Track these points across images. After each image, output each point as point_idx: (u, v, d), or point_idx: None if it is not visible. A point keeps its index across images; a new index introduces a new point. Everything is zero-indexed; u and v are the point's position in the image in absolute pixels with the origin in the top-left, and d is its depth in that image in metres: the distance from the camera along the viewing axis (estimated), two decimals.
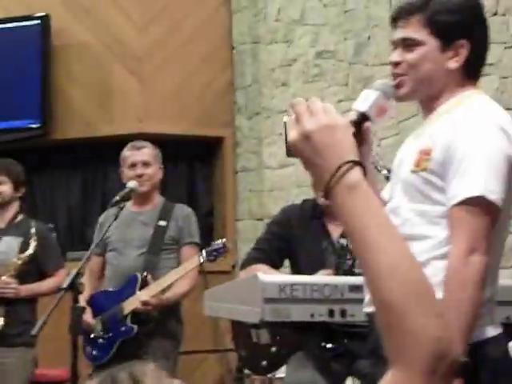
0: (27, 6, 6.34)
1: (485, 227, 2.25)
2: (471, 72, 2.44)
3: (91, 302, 4.43)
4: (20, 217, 4.82)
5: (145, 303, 4.25)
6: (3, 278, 4.58)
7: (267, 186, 6.24)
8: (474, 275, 2.21)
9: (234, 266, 5.67)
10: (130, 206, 4.44)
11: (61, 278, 4.60)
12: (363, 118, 2.27)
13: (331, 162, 1.30)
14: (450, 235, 2.27)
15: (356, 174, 1.29)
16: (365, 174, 1.30)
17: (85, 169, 6.62)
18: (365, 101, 2.27)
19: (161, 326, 4.35)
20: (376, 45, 5.58)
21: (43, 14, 6.24)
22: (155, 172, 4.53)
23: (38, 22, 6.25)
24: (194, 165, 6.73)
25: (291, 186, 5.97)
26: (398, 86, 2.42)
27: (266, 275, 3.01)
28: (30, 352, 4.61)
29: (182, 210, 4.55)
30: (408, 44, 2.42)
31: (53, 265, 4.74)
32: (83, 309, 3.81)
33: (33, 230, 4.62)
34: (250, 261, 3.77)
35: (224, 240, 4.40)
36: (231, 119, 6.61)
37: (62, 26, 6.35)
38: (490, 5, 4.87)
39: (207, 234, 6.30)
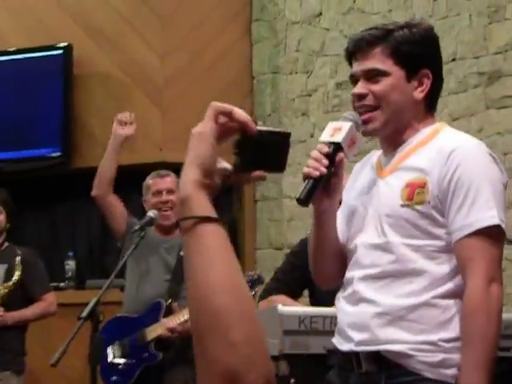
0: (50, 35, 6.41)
1: (499, 256, 2.24)
2: (432, 103, 2.40)
3: (109, 326, 4.40)
4: (5, 244, 4.86)
5: (172, 330, 4.25)
6: None
7: (286, 215, 6.24)
8: (497, 305, 2.19)
9: (253, 296, 5.66)
10: (154, 230, 4.47)
11: (47, 302, 4.68)
12: (337, 148, 2.22)
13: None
14: (463, 266, 2.22)
15: (188, 188, 1.27)
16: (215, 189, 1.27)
17: None
18: (339, 132, 2.23)
19: (182, 353, 4.34)
20: None
21: (66, 43, 6.31)
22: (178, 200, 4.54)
23: (61, 51, 6.32)
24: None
25: (310, 215, 5.96)
26: (366, 122, 2.33)
27: (286, 307, 2.99)
28: (16, 378, 4.62)
29: None
30: (373, 75, 2.34)
31: (39, 290, 4.75)
32: (103, 338, 3.81)
33: (18, 258, 4.65)
34: (269, 291, 3.77)
35: (258, 271, 4.37)
36: None
37: (84, 55, 6.41)
38: (511, 37, 4.88)
39: None
